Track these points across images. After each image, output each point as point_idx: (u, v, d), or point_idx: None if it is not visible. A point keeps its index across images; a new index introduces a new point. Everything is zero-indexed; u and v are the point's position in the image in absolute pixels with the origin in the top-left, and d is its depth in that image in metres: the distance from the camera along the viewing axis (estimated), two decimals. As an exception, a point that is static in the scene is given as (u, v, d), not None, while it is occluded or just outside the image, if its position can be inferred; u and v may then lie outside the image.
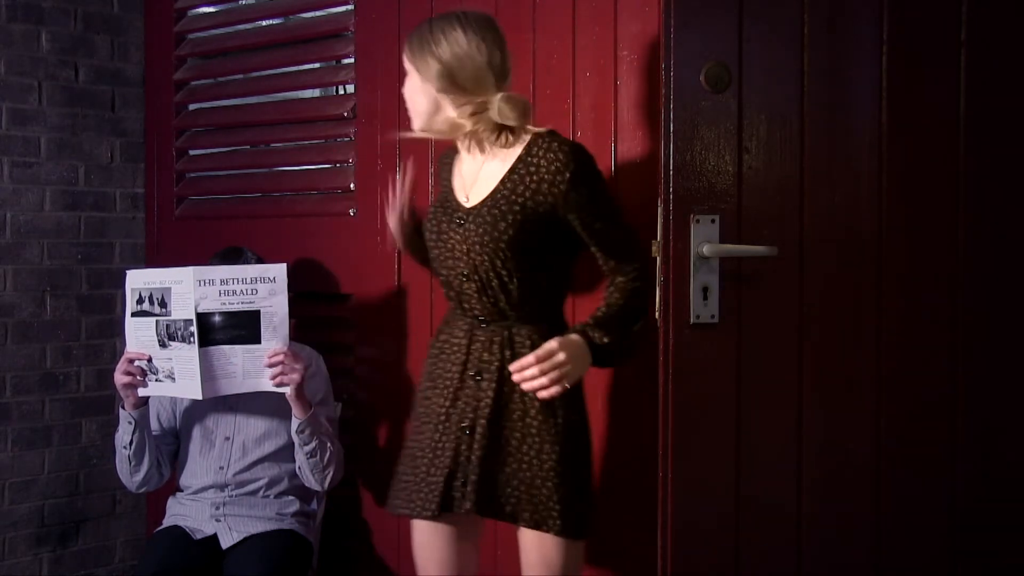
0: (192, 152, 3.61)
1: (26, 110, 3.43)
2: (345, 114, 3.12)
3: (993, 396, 2.22)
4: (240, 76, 3.50)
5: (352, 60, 3.12)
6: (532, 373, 2.06)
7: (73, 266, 3.54)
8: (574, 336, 2.12)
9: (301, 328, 3.21)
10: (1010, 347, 2.23)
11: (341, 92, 3.31)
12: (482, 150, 2.19)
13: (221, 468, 2.82)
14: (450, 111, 2.16)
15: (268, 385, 2.63)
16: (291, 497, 2.86)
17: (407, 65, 2.20)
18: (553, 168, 2.10)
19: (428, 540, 2.26)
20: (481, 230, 2.13)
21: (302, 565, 2.79)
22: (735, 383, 2.09)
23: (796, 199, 2.11)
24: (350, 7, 3.11)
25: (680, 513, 2.04)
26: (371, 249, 3.04)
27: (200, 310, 2.53)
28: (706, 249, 2.02)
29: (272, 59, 3.39)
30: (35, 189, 3.45)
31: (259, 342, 2.59)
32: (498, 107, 2.11)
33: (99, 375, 3.56)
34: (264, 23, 3.45)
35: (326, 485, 2.79)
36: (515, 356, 2.14)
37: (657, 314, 2.06)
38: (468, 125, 2.15)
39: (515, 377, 2.08)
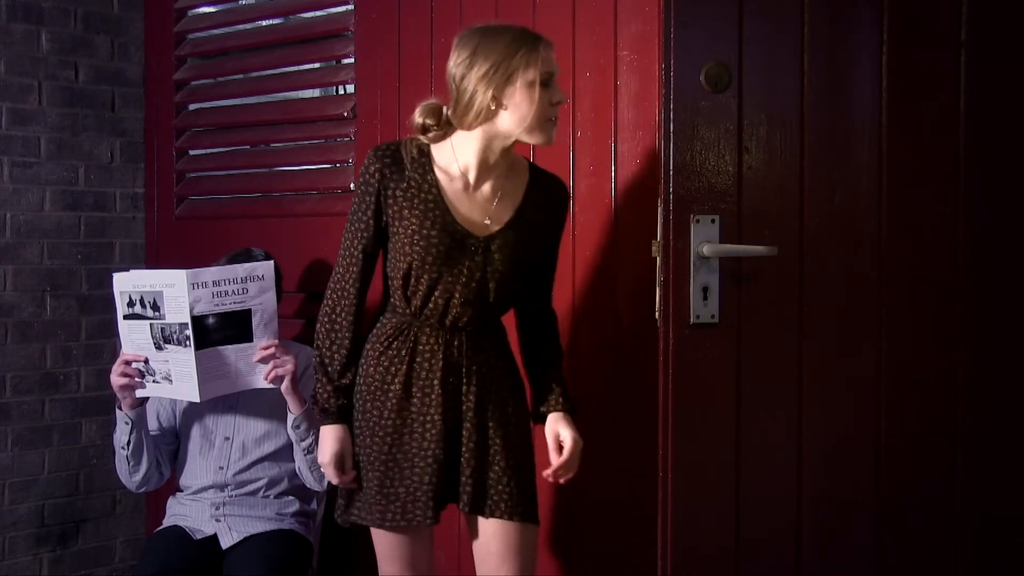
0: (192, 152, 3.60)
1: (26, 110, 3.43)
2: (345, 114, 3.12)
3: (993, 395, 2.22)
4: (240, 76, 3.50)
5: (352, 60, 3.12)
6: (568, 470, 2.20)
7: (73, 266, 3.54)
8: (565, 415, 2.24)
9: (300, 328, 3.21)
10: (1010, 346, 2.23)
11: (341, 92, 3.31)
12: (491, 171, 2.17)
13: (221, 468, 2.82)
14: (480, 104, 2.09)
15: (262, 382, 2.63)
16: (291, 497, 2.86)
17: (553, 68, 2.11)
18: (560, 204, 2.25)
19: (402, 547, 2.24)
20: (511, 258, 2.16)
21: (302, 565, 2.79)
22: (735, 383, 2.09)
23: (796, 199, 2.11)
24: (350, 7, 3.11)
25: (680, 513, 2.04)
26: (371, 249, 3.04)
27: (195, 313, 2.52)
28: (706, 249, 2.02)
29: (272, 59, 3.39)
30: (35, 189, 3.45)
31: (251, 340, 2.60)
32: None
33: (99, 375, 3.55)
34: (264, 23, 3.44)
35: (325, 484, 2.78)
36: (488, 357, 2.22)
37: (657, 314, 2.06)
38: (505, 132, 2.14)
39: (552, 479, 2.20)
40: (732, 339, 2.07)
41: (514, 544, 2.21)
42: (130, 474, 2.80)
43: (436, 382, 2.18)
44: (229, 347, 2.58)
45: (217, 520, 2.79)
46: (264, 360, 2.61)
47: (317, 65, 3.29)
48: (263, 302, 2.60)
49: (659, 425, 2.03)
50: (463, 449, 2.19)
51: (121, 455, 2.77)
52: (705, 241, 2.03)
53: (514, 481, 2.19)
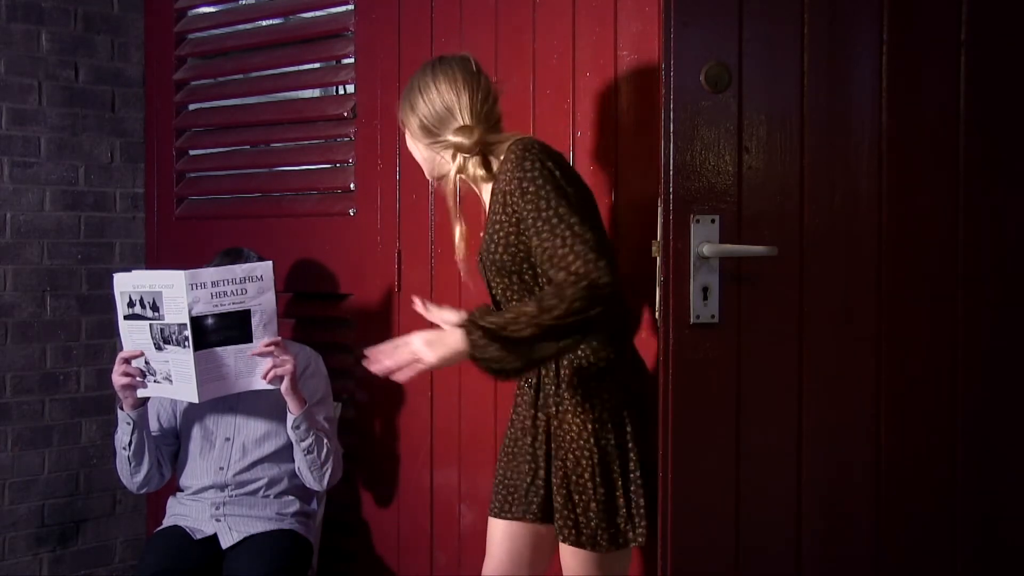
0: (192, 152, 3.61)
1: (26, 110, 3.43)
2: (345, 114, 3.12)
3: (993, 396, 2.22)
4: (240, 76, 3.51)
5: (352, 60, 3.12)
6: (381, 359, 2.08)
7: (73, 266, 3.54)
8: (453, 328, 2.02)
9: (301, 328, 3.21)
10: (1010, 347, 2.23)
11: (341, 92, 3.31)
12: (481, 186, 2.18)
13: (221, 469, 2.82)
14: (438, 158, 2.17)
15: (262, 383, 2.63)
16: (291, 497, 2.86)
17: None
18: (506, 177, 2.05)
19: (493, 534, 2.26)
20: (483, 258, 2.16)
21: (302, 565, 2.79)
22: (735, 383, 2.09)
23: (796, 199, 2.10)
24: (350, 7, 3.12)
25: (680, 513, 2.04)
26: (371, 249, 3.04)
27: (194, 314, 2.52)
28: (706, 249, 2.02)
29: (272, 59, 3.39)
30: (35, 189, 3.45)
31: (250, 341, 2.60)
32: (453, 142, 2.11)
33: (99, 375, 3.56)
34: (264, 23, 3.45)
35: (325, 484, 2.79)
36: (549, 364, 2.14)
37: (657, 314, 2.06)
38: (452, 169, 2.13)
39: (370, 366, 2.10)
40: (732, 339, 2.07)
41: (566, 565, 2.18)
42: (131, 475, 2.80)
43: (521, 380, 2.24)
44: (228, 348, 2.58)
45: (217, 520, 2.79)
46: (263, 355, 2.61)
47: (317, 65, 3.29)
48: (262, 303, 2.60)
49: (659, 425, 2.03)
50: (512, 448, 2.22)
51: (123, 456, 2.77)
52: (705, 241, 2.03)
53: (560, 496, 2.13)
